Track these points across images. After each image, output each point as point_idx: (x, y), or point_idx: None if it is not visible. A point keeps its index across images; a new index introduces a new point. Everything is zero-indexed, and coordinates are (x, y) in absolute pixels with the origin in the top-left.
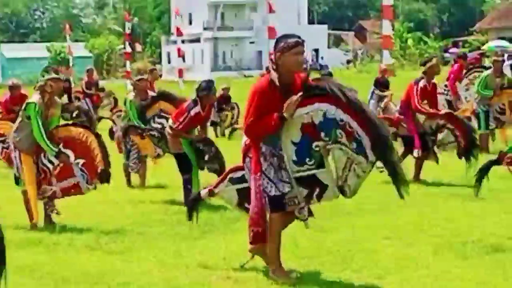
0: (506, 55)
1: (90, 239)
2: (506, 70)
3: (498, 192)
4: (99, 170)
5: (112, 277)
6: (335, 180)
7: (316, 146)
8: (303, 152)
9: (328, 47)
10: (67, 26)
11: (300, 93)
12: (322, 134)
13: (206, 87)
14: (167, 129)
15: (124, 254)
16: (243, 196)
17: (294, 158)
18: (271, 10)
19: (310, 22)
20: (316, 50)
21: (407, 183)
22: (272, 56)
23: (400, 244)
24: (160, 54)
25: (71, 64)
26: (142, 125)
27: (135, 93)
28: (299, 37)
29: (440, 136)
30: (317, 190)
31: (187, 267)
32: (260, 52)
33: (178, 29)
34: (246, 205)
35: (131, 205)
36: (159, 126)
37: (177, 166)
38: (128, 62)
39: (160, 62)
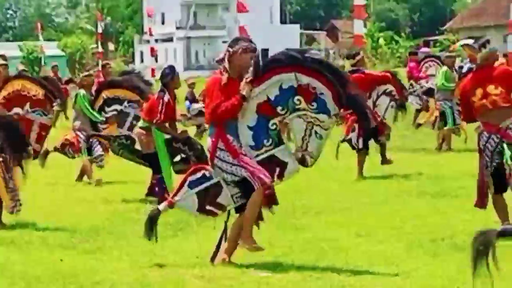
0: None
1: (63, 238)
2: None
3: (468, 189)
4: None
5: (85, 276)
6: (294, 154)
7: (273, 124)
8: (260, 134)
9: (300, 46)
10: (39, 25)
11: (250, 77)
12: (279, 109)
13: (169, 72)
14: (139, 130)
15: (97, 253)
16: (203, 199)
17: (251, 143)
18: (241, 10)
19: (282, 21)
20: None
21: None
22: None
23: (372, 242)
24: (133, 53)
25: (43, 63)
26: (98, 116)
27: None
28: (250, 40)
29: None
30: (278, 170)
31: (161, 266)
32: None
33: (150, 28)
34: (207, 207)
35: (104, 203)
36: (115, 112)
37: (150, 166)
38: (100, 61)
39: (133, 61)
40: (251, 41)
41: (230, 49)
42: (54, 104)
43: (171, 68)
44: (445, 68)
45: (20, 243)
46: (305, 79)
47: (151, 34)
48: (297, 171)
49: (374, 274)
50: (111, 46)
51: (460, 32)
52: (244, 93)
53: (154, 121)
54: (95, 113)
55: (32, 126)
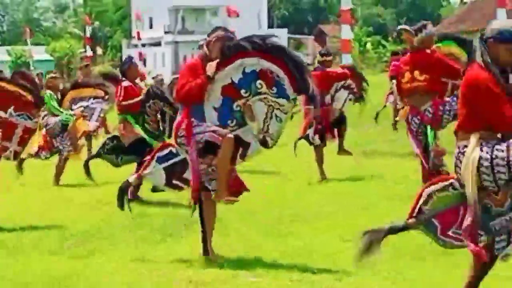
0: None
1: (53, 242)
2: None
3: None
4: None
5: (74, 281)
6: (256, 135)
7: (237, 106)
8: (225, 115)
9: None
10: (27, 29)
11: (217, 60)
12: (242, 91)
13: (127, 61)
14: (118, 126)
15: (87, 258)
16: (170, 174)
17: (217, 123)
18: (230, 15)
19: (270, 26)
20: None
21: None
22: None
23: (358, 247)
24: (121, 57)
25: (31, 68)
26: (65, 113)
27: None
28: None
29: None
30: (241, 149)
31: (150, 271)
32: None
33: (138, 33)
34: (174, 181)
35: (94, 208)
36: (81, 108)
37: (136, 152)
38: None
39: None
40: (228, 31)
41: (208, 38)
42: (42, 108)
43: (129, 58)
44: None
45: (10, 248)
46: (266, 64)
47: (139, 38)
48: (258, 152)
49: (362, 279)
50: (99, 51)
51: None
52: (208, 73)
53: (116, 103)
54: (63, 111)
55: (15, 129)
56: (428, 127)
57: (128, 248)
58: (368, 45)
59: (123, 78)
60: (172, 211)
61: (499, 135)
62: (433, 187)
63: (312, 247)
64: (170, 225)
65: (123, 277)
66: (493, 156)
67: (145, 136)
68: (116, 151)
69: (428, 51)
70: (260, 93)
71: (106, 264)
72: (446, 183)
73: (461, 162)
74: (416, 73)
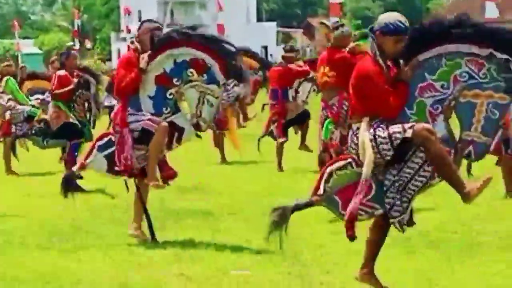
0: None
1: (42, 238)
2: None
3: (442, 187)
4: None
5: (64, 276)
6: (190, 120)
7: (170, 94)
8: (159, 103)
9: (277, 44)
10: (16, 23)
11: (149, 52)
12: (175, 80)
13: (65, 53)
14: (51, 111)
15: (76, 253)
16: (112, 161)
17: (152, 111)
18: (220, 9)
19: (259, 19)
20: (265, 47)
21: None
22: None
23: (347, 239)
24: (109, 51)
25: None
26: (27, 99)
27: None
28: (160, 24)
29: None
30: (176, 134)
31: (139, 265)
32: None
33: (127, 26)
34: (116, 168)
35: (83, 203)
36: (38, 100)
37: (63, 136)
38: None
39: (110, 59)
40: (155, 22)
41: (138, 31)
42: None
43: (68, 50)
44: None
45: None
46: (196, 53)
47: (128, 32)
48: (193, 135)
49: (351, 271)
50: (88, 44)
51: None
52: (141, 65)
53: (51, 91)
54: (24, 97)
55: None
56: (326, 122)
57: (117, 243)
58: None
59: (61, 68)
60: (162, 205)
61: None
62: (333, 166)
63: (301, 239)
64: (160, 219)
65: (112, 272)
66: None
67: (76, 122)
68: (44, 134)
69: (343, 49)
70: (191, 81)
71: (95, 259)
72: (345, 162)
73: (354, 143)
74: (327, 69)
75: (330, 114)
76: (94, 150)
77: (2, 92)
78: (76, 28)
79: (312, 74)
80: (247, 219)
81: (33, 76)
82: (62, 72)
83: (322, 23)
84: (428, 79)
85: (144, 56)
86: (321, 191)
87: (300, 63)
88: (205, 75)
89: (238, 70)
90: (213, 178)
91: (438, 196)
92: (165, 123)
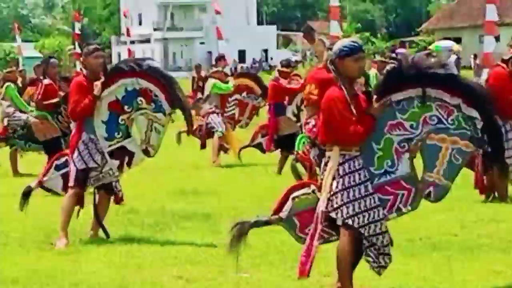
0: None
1: (40, 239)
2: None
3: None
4: None
5: (62, 277)
6: (139, 146)
7: (122, 119)
8: (112, 128)
9: (277, 47)
10: (16, 26)
11: (102, 79)
12: (126, 107)
13: (44, 61)
14: (34, 120)
15: (74, 254)
16: (67, 180)
17: (105, 135)
18: (218, 12)
19: (259, 22)
20: (266, 51)
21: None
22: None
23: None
24: (110, 54)
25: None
26: (27, 106)
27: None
28: (98, 44)
29: None
30: (127, 158)
31: (139, 267)
32: (210, 53)
33: (128, 29)
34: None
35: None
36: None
37: (46, 151)
38: (78, 62)
39: (110, 63)
40: (98, 44)
41: (82, 54)
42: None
43: (49, 57)
44: (374, 71)
45: None
46: (144, 84)
47: (128, 35)
48: (142, 160)
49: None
50: None
51: (436, 33)
52: (95, 92)
53: (34, 100)
54: (24, 103)
55: None
56: (301, 135)
57: (116, 245)
58: None
59: (45, 77)
60: (161, 208)
61: (356, 149)
62: (297, 192)
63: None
64: (160, 222)
65: (111, 273)
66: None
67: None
68: (27, 138)
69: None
70: (141, 109)
71: (94, 260)
72: (308, 188)
73: (324, 169)
74: (312, 87)
75: (306, 130)
76: (52, 169)
77: (3, 99)
78: (78, 31)
79: None
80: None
81: (35, 82)
82: (47, 81)
83: (320, 40)
84: (398, 117)
85: (98, 84)
86: (283, 215)
87: (299, 79)
88: (153, 103)
89: (181, 102)
90: (213, 181)
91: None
92: (71, 191)
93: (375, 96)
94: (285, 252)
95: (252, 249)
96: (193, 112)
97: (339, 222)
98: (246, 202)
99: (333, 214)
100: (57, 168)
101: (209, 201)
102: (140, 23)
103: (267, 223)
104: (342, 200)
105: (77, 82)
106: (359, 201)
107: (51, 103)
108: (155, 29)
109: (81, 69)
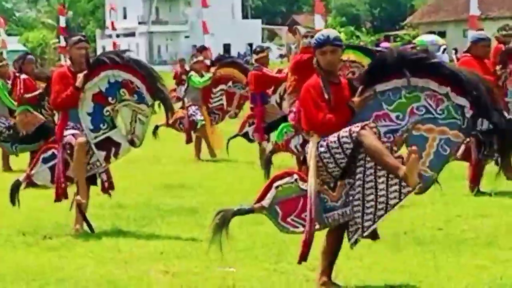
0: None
1: (26, 235)
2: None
3: None
4: None
5: (49, 273)
6: (125, 136)
7: (107, 111)
8: (97, 119)
9: (262, 41)
10: (1, 20)
11: (85, 72)
12: (110, 99)
13: (20, 57)
14: (19, 117)
15: (61, 250)
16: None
17: (91, 126)
18: (205, 5)
19: (244, 16)
20: (251, 45)
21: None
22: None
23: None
24: (95, 48)
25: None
26: (14, 103)
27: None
28: (83, 35)
29: None
30: (113, 149)
31: (125, 262)
32: (195, 46)
33: (112, 23)
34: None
35: (68, 199)
36: None
37: (32, 141)
38: (62, 56)
39: (95, 56)
40: (82, 36)
41: (66, 45)
42: None
43: (24, 54)
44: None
45: None
46: (125, 76)
47: (113, 29)
48: (128, 151)
49: (336, 268)
50: None
51: (420, 27)
52: (77, 84)
53: (17, 95)
54: (12, 101)
55: None
56: (282, 125)
57: (102, 239)
58: (342, 36)
59: (21, 72)
60: (148, 202)
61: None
62: (280, 181)
63: (286, 236)
64: (146, 216)
65: (98, 268)
66: (330, 146)
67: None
68: (13, 140)
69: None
70: (124, 100)
71: (80, 255)
72: (291, 177)
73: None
74: (290, 75)
75: (290, 119)
76: (39, 162)
77: None
78: (63, 25)
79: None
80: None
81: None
82: (24, 76)
83: (297, 28)
84: (384, 108)
85: (80, 76)
86: (266, 203)
87: (286, 69)
88: (135, 95)
89: (162, 93)
90: (199, 175)
91: (425, 194)
92: (81, 140)
93: (360, 87)
94: (270, 246)
95: (237, 243)
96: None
97: None
98: (233, 197)
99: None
100: (44, 160)
101: (195, 196)
102: (125, 17)
103: (250, 211)
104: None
105: (59, 72)
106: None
107: (34, 95)
108: (140, 23)
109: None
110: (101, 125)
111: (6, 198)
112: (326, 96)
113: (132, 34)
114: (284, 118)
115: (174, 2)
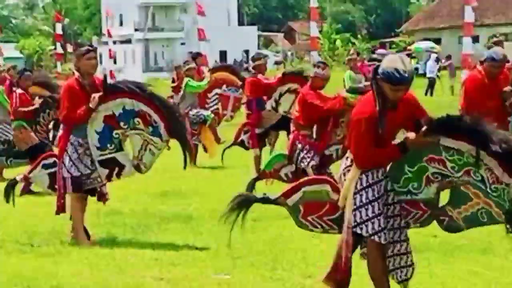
0: (433, 55)
1: (21, 241)
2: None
3: None
4: None
5: (44, 279)
6: (131, 160)
7: (116, 133)
8: (105, 139)
9: (258, 48)
10: None
11: (101, 93)
12: (122, 124)
13: (19, 72)
14: (14, 132)
15: (56, 256)
16: (53, 179)
17: (97, 144)
18: (200, 12)
19: (240, 23)
20: (247, 51)
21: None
22: (74, 61)
23: (328, 243)
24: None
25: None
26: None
27: None
28: (90, 45)
29: None
30: (117, 169)
31: (120, 269)
32: (191, 53)
33: (109, 30)
34: (56, 186)
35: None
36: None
37: (27, 156)
38: (59, 63)
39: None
40: (90, 46)
41: (74, 57)
42: None
43: (23, 70)
44: (349, 71)
45: None
46: (144, 108)
47: (110, 36)
48: (132, 174)
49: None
50: (70, 48)
51: (416, 34)
52: (91, 105)
53: (12, 110)
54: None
55: None
56: (274, 155)
57: (98, 246)
58: (338, 42)
59: (17, 87)
60: (144, 209)
61: None
62: (309, 187)
63: (282, 243)
64: (141, 223)
65: (92, 275)
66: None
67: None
68: (8, 154)
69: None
70: (137, 128)
71: (75, 262)
72: (322, 186)
73: (343, 173)
74: (296, 105)
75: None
76: (39, 167)
77: None
78: (59, 32)
79: (295, 85)
80: (228, 223)
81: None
82: (20, 91)
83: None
84: (443, 155)
85: (95, 97)
86: (290, 202)
87: (279, 74)
88: (150, 127)
89: (181, 132)
90: (194, 182)
91: None
92: (74, 196)
93: (424, 127)
94: (266, 253)
95: (233, 250)
96: None
97: (365, 235)
98: (227, 204)
99: (357, 230)
100: (45, 166)
101: (190, 203)
102: (121, 24)
103: (274, 202)
104: (367, 215)
105: (69, 86)
106: (378, 217)
107: (29, 110)
108: (136, 30)
109: (73, 72)
110: (108, 145)
111: (1, 207)
112: (380, 131)
113: (129, 41)
114: (284, 118)
115: (170, 9)
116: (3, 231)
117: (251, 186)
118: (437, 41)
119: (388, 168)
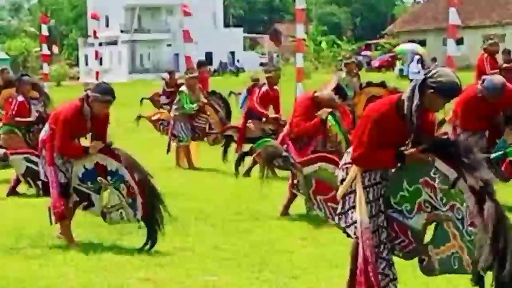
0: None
1: (7, 243)
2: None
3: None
4: None
5: (29, 281)
6: (101, 207)
7: (100, 180)
8: (89, 176)
9: (244, 50)
10: None
11: (104, 146)
12: (109, 178)
13: (17, 79)
14: (2, 137)
15: (42, 258)
16: (30, 173)
17: (79, 176)
18: (186, 13)
19: (226, 25)
20: (232, 53)
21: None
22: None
23: (315, 245)
24: (77, 56)
25: None
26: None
27: None
28: (112, 93)
29: None
30: (86, 203)
31: (106, 270)
32: (177, 55)
33: (95, 31)
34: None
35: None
36: None
37: None
38: (45, 65)
39: (77, 65)
40: (112, 94)
41: (90, 94)
42: None
43: (21, 75)
44: (343, 74)
45: None
46: (131, 182)
47: (96, 37)
48: (97, 216)
49: (318, 276)
50: (56, 49)
51: (401, 36)
52: (90, 151)
53: (8, 115)
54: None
55: None
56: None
57: (83, 247)
58: (323, 44)
59: (19, 94)
60: None
61: None
62: (326, 164)
63: (269, 245)
64: (127, 224)
65: (79, 277)
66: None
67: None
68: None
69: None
70: (119, 190)
71: (61, 264)
72: (336, 169)
73: (345, 165)
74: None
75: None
76: (22, 155)
77: None
78: (45, 33)
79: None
80: (214, 225)
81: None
82: (21, 98)
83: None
84: (436, 182)
85: (96, 147)
86: (305, 171)
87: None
88: (130, 199)
89: (151, 220)
90: (180, 183)
91: None
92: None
93: (424, 144)
94: (253, 255)
95: (220, 252)
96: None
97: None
98: (214, 205)
99: (349, 230)
100: (27, 159)
101: (176, 204)
102: (107, 25)
103: (292, 164)
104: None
105: (71, 115)
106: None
107: (25, 121)
108: (122, 31)
109: (81, 99)
110: (89, 183)
111: None
112: (388, 131)
113: (115, 43)
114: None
115: (156, 10)
116: None
117: (239, 160)
118: (422, 43)
119: (388, 173)
